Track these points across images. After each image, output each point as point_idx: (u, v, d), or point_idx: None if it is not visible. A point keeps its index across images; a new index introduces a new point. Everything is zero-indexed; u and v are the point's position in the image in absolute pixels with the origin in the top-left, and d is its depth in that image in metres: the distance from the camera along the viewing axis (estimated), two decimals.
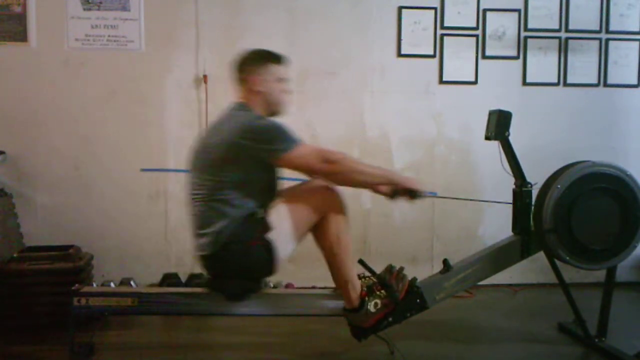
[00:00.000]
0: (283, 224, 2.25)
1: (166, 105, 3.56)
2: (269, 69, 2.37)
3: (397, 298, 2.37)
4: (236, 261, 2.25)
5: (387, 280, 2.40)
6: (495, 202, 2.99)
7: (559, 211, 2.54)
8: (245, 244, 2.23)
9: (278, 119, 2.33)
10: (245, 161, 2.22)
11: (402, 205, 3.66)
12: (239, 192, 2.24)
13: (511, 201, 2.78)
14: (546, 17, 3.77)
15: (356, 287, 2.35)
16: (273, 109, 2.38)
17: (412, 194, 2.34)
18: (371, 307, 2.35)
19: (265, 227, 2.24)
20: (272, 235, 2.24)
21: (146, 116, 3.54)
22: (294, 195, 2.33)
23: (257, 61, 2.38)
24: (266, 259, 2.25)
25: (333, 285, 2.55)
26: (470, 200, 3.45)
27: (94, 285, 3.14)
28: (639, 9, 3.84)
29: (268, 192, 2.33)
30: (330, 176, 2.26)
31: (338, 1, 3.64)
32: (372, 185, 2.33)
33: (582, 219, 2.54)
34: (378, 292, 2.38)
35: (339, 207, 2.32)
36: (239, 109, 2.34)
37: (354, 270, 2.36)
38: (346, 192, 2.36)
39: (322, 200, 2.30)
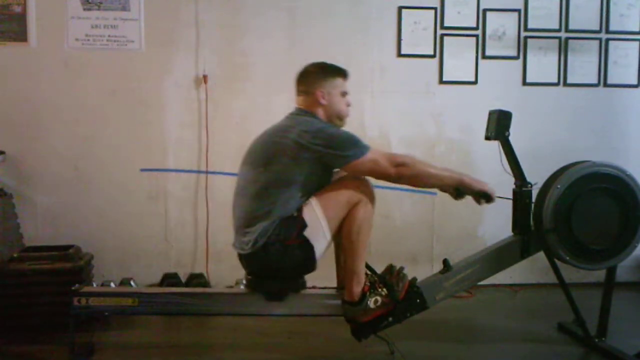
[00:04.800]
0: (317, 220, 2.29)
1: (166, 105, 3.55)
2: (334, 83, 2.43)
3: (397, 297, 2.37)
4: (275, 261, 2.30)
5: (387, 280, 2.41)
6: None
7: (559, 211, 2.54)
8: (283, 244, 2.28)
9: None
10: (308, 163, 2.29)
11: (402, 205, 3.72)
12: (292, 192, 2.30)
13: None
14: (546, 17, 3.77)
15: (361, 281, 2.37)
16: (334, 121, 2.45)
17: (483, 196, 2.40)
18: (371, 303, 2.36)
19: (301, 225, 2.28)
20: (307, 233, 2.28)
21: (146, 116, 3.54)
22: (325, 190, 2.35)
23: (323, 75, 2.44)
24: (304, 257, 2.31)
25: (333, 285, 2.56)
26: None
27: (94, 285, 3.14)
28: (639, 9, 3.84)
29: (313, 194, 2.36)
30: (401, 179, 2.33)
31: (338, 1, 3.64)
32: (441, 187, 2.43)
33: (582, 219, 2.54)
34: (380, 290, 2.39)
35: (370, 198, 2.36)
36: (304, 114, 2.40)
37: (363, 264, 2.39)
38: None
39: (354, 191, 2.32)
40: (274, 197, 2.29)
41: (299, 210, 2.31)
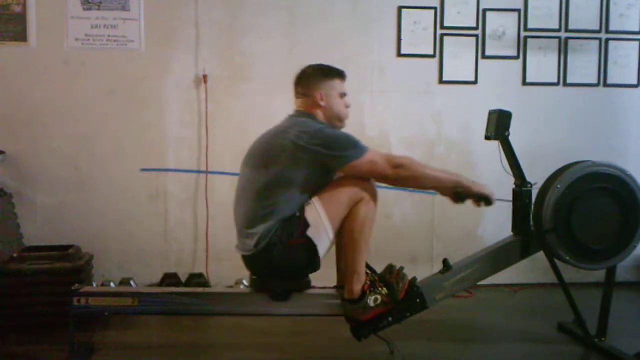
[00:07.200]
0: (320, 219, 2.30)
1: (166, 105, 3.55)
2: (332, 85, 2.44)
3: (398, 297, 2.37)
4: (278, 262, 2.31)
5: (387, 280, 2.41)
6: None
7: (559, 211, 2.54)
8: (286, 244, 2.29)
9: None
10: (307, 164, 2.30)
11: (402, 205, 3.72)
12: (292, 192, 2.32)
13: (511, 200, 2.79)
14: (546, 17, 3.77)
15: (361, 280, 2.37)
16: (334, 123, 2.45)
17: (482, 199, 2.38)
18: (371, 301, 2.36)
19: (304, 225, 2.30)
20: (310, 233, 2.29)
21: (146, 116, 3.54)
22: (326, 189, 2.36)
23: (321, 77, 2.45)
24: (308, 257, 2.32)
25: (333, 285, 2.56)
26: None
27: (94, 285, 3.13)
28: (639, 9, 3.84)
29: (314, 195, 2.37)
30: (399, 181, 2.35)
31: (338, 1, 3.64)
32: (438, 189, 2.40)
33: (582, 219, 2.54)
34: (380, 289, 2.39)
35: (373, 196, 2.36)
36: (304, 116, 2.41)
37: (364, 262, 2.39)
38: None
39: (356, 189, 2.32)
40: (274, 198, 2.30)
41: (301, 210, 2.32)
